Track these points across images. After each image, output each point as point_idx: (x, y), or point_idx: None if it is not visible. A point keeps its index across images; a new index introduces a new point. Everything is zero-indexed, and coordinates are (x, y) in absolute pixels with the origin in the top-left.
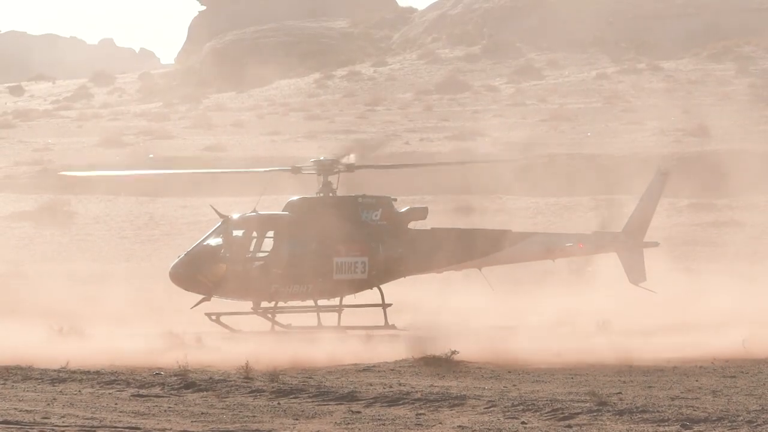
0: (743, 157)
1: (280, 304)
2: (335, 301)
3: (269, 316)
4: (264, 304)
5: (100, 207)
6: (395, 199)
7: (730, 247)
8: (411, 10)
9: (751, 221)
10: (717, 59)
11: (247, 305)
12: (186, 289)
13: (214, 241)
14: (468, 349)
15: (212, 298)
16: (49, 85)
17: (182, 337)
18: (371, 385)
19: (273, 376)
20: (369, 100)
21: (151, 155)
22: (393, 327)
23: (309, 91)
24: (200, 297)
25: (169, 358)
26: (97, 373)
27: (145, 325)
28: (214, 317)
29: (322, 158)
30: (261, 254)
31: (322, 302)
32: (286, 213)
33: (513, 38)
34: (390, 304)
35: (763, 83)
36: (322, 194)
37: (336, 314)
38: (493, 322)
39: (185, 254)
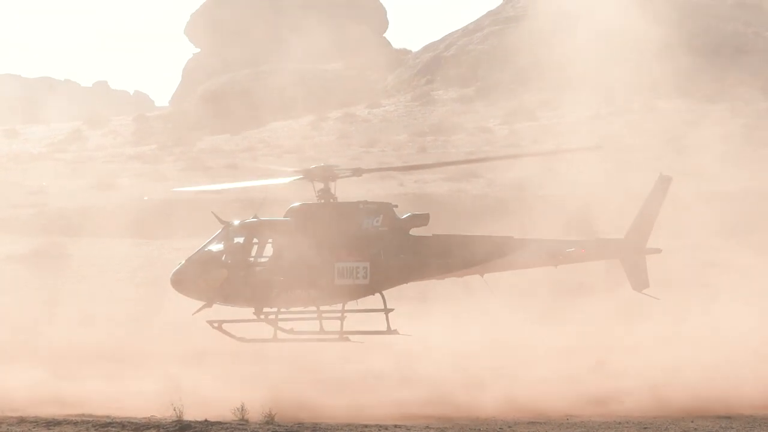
0: (737, 198)
1: (282, 310)
2: (338, 307)
3: (272, 322)
4: (266, 310)
5: (95, 250)
6: (396, 206)
7: (724, 288)
8: (405, 52)
9: (746, 262)
10: (711, 100)
11: (250, 312)
12: (187, 296)
13: (215, 248)
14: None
15: (213, 305)
16: (43, 127)
17: (178, 380)
18: (366, 427)
19: (269, 418)
20: (363, 141)
21: (146, 197)
22: (395, 332)
23: (303, 133)
24: (201, 304)
25: (165, 401)
26: (92, 416)
27: (141, 367)
28: (216, 325)
29: (322, 164)
30: (262, 260)
31: (324, 308)
32: (288, 219)
33: (507, 79)
34: (392, 309)
35: (757, 124)
36: (322, 200)
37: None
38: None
39: (186, 261)
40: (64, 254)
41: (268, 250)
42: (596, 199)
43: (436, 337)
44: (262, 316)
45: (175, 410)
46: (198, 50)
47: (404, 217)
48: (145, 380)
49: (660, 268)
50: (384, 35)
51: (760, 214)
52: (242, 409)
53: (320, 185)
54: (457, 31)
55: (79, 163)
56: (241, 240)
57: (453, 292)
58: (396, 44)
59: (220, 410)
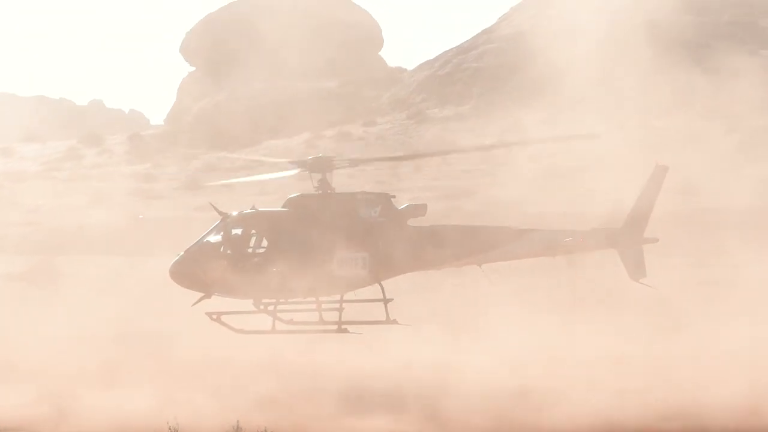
0: (732, 215)
1: (281, 301)
2: (337, 297)
3: (271, 313)
4: (265, 301)
5: (90, 267)
6: (393, 196)
7: (720, 305)
8: (400, 70)
9: (741, 278)
10: (707, 117)
11: (249, 304)
12: (186, 287)
13: (214, 239)
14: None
15: (212, 297)
16: (39, 146)
17: (173, 397)
18: None
19: None
20: None
21: (141, 216)
22: (395, 322)
23: (299, 151)
24: (200, 295)
25: (161, 418)
26: None
27: (136, 385)
28: (215, 316)
29: (320, 155)
30: (261, 251)
31: (323, 299)
32: (286, 209)
33: (502, 97)
34: (391, 299)
35: (752, 141)
36: (320, 191)
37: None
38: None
39: (185, 252)
40: (59, 272)
41: (267, 240)
42: (592, 216)
43: (430, 352)
44: (261, 307)
45: (170, 428)
46: (193, 68)
47: (403, 207)
48: (141, 398)
49: (657, 286)
50: (379, 53)
51: (755, 230)
52: (237, 428)
53: (318, 176)
54: (452, 49)
55: (75, 182)
56: (239, 231)
57: (455, 302)
58: (391, 62)
59: (216, 427)
